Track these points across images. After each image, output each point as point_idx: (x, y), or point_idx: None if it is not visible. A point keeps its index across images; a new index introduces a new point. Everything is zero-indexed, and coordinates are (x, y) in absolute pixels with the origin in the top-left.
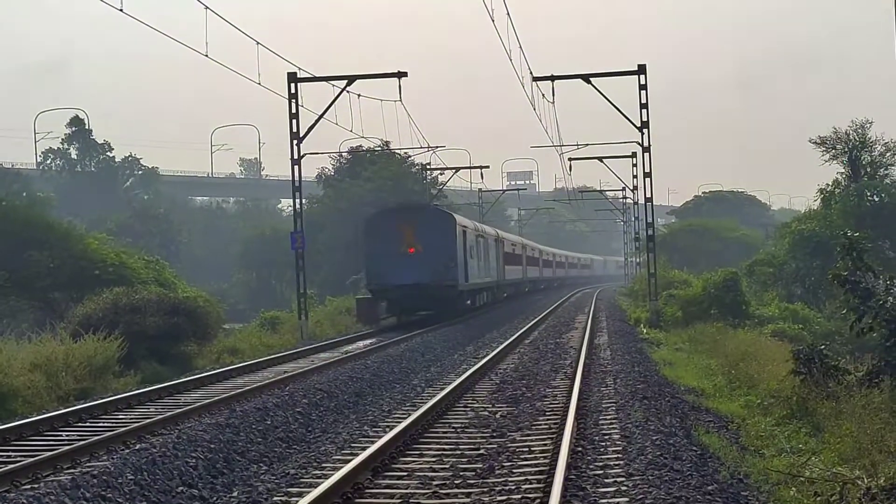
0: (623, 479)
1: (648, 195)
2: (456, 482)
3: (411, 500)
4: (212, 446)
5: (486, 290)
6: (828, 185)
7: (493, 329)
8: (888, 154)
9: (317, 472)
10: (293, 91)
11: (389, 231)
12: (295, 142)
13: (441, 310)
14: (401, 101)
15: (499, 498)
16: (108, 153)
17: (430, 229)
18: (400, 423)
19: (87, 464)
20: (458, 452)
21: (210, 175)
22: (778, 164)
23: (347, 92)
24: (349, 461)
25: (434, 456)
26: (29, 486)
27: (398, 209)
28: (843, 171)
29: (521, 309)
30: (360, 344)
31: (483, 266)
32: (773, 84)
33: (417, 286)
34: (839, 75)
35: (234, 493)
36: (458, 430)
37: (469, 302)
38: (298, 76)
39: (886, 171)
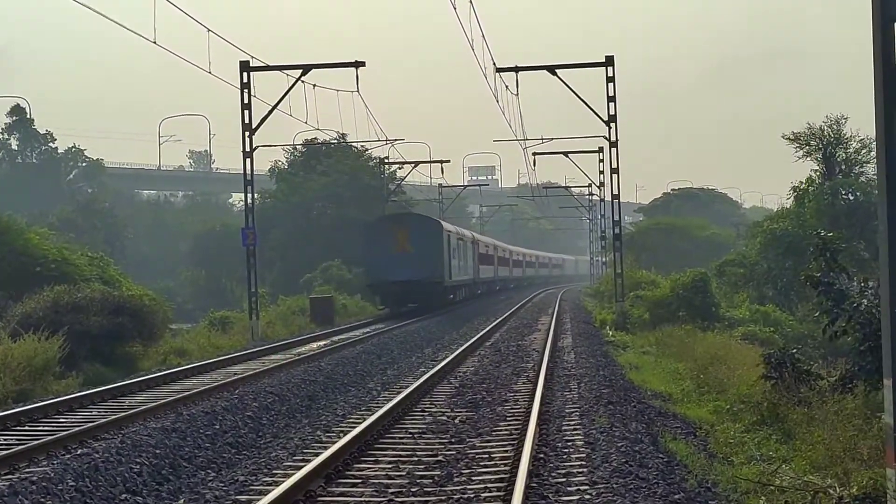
0: (587, 487)
1: (615, 192)
2: (413, 490)
3: None
4: (157, 451)
5: (465, 287)
6: (801, 182)
7: (453, 330)
8: (864, 151)
9: (267, 478)
10: (245, 80)
11: (386, 235)
12: (247, 133)
13: (428, 302)
14: (358, 91)
15: None
16: (51, 144)
17: (421, 234)
18: (354, 427)
19: (26, 469)
20: (416, 459)
21: (158, 168)
22: (750, 160)
23: (302, 82)
24: (301, 468)
25: (390, 462)
26: None
27: (394, 216)
28: (818, 168)
29: (483, 310)
30: (314, 345)
31: (462, 266)
32: (744, 78)
33: (409, 282)
34: (814, 69)
35: (181, 501)
36: (416, 435)
37: (451, 296)
38: (251, 65)
39: (862, 169)
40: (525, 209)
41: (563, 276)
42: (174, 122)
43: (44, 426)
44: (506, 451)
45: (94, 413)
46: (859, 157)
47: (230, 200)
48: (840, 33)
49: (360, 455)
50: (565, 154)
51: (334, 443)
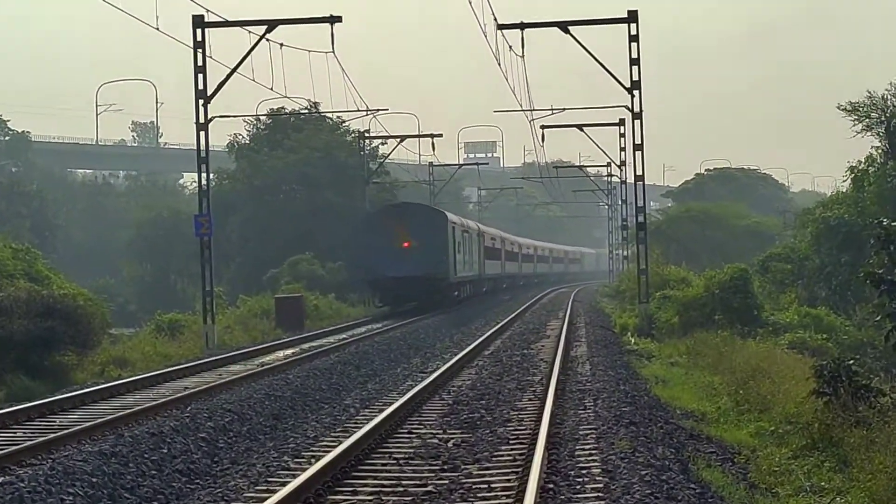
0: None
1: (639, 172)
2: None
3: None
4: (94, 480)
5: (470, 283)
6: (859, 162)
7: (445, 337)
8: None
9: None
10: (199, 38)
11: (387, 227)
12: (201, 102)
13: (431, 300)
14: (333, 52)
15: None
16: None
17: (424, 226)
18: (328, 452)
19: None
20: (401, 489)
21: (95, 142)
22: (799, 135)
23: (267, 40)
24: (265, 500)
25: (370, 494)
26: None
27: (395, 206)
28: (879, 145)
29: (481, 313)
30: (280, 354)
31: (468, 261)
32: (792, 38)
33: (411, 278)
34: (877, 25)
35: None
36: (401, 462)
37: (456, 293)
38: (206, 20)
39: None
40: (532, 193)
41: (583, 272)
42: (114, 89)
43: None
44: (508, 481)
45: (18, 434)
46: None
47: (181, 181)
48: None
49: (335, 485)
50: (580, 127)
51: (304, 470)
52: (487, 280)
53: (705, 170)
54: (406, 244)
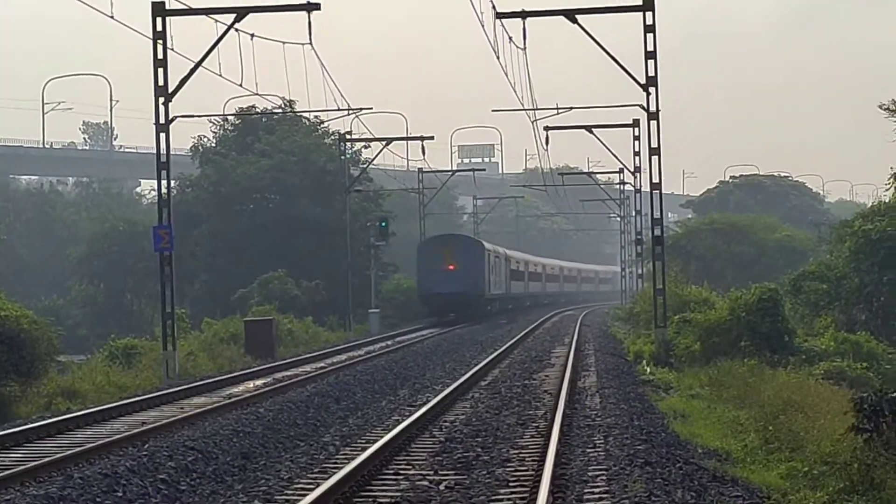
0: None
1: (656, 180)
2: None
3: None
4: None
5: (498, 300)
6: None
7: (436, 366)
8: None
9: None
10: (160, 29)
11: (435, 253)
12: (161, 100)
13: (470, 312)
14: (311, 44)
15: None
16: None
17: (466, 253)
18: (304, 496)
19: None
20: None
21: (42, 145)
22: (836, 139)
23: (236, 30)
24: None
25: None
26: None
27: (442, 237)
28: None
29: (474, 336)
30: (251, 385)
31: (498, 281)
32: (827, 28)
33: (455, 294)
34: None
35: None
36: None
37: (489, 308)
38: (167, 7)
39: None
40: (534, 202)
41: (615, 291)
42: (63, 85)
43: None
44: None
45: None
46: None
47: (138, 189)
48: None
49: None
50: (588, 129)
51: None
52: (512, 298)
53: (730, 177)
54: (451, 267)
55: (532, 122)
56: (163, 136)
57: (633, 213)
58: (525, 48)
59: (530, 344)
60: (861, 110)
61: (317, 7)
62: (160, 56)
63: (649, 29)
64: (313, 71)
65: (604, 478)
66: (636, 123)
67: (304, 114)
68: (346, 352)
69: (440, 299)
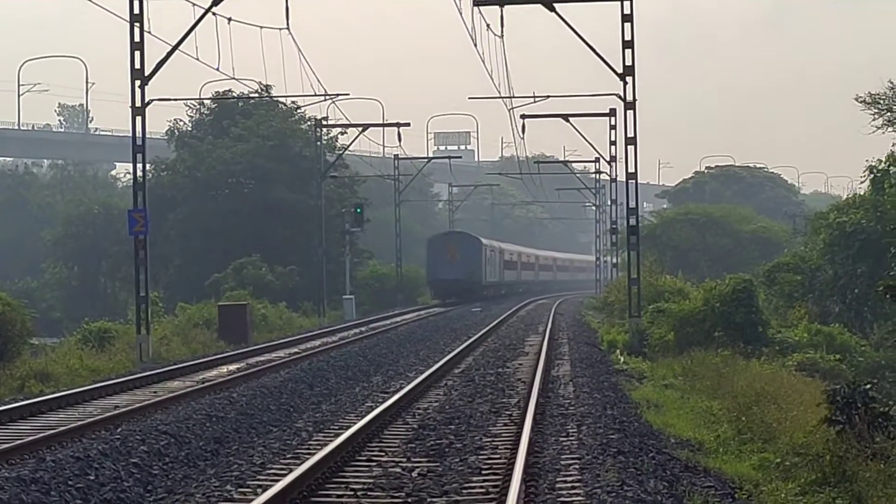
0: None
1: (632, 169)
2: None
3: None
4: None
5: (493, 287)
6: (879, 161)
7: (409, 353)
8: None
9: None
10: (136, 11)
11: (442, 247)
12: (137, 83)
13: (469, 296)
14: (288, 29)
15: None
16: None
17: (465, 246)
18: (277, 481)
19: None
20: None
21: (16, 126)
22: (811, 131)
23: (213, 14)
24: None
25: None
26: None
27: (447, 234)
28: None
29: (448, 324)
30: (224, 370)
31: (492, 270)
32: (807, 19)
33: (456, 280)
34: None
35: None
36: (359, 493)
37: (485, 293)
38: None
39: None
40: (509, 190)
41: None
42: (39, 67)
43: None
44: None
45: None
46: None
47: (113, 172)
48: None
49: None
50: (565, 118)
51: (250, 501)
52: (505, 285)
53: (706, 167)
54: (454, 258)
55: (509, 111)
56: (139, 119)
57: (609, 203)
58: (503, 35)
59: (504, 332)
60: (836, 101)
61: None
62: (137, 39)
63: (626, 18)
64: (290, 56)
65: (577, 466)
66: (612, 113)
67: (281, 99)
68: (320, 338)
69: (444, 284)
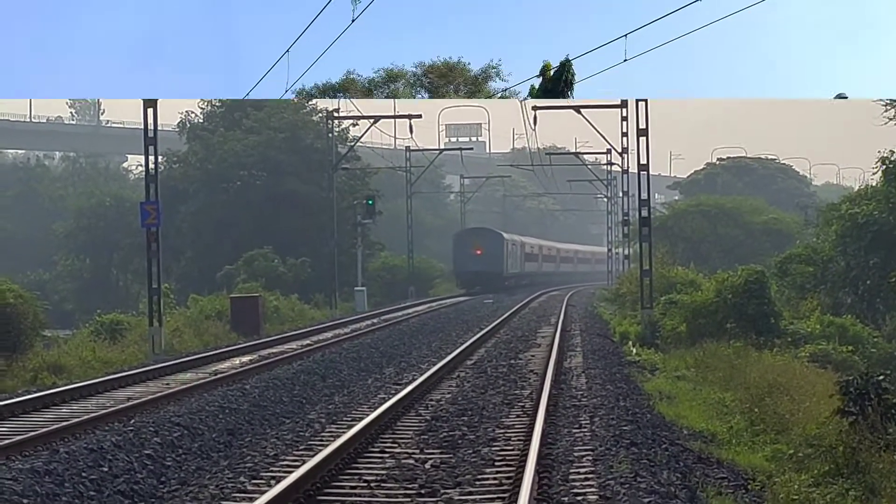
0: None
1: (643, 161)
2: None
3: None
4: (24, 502)
5: (514, 277)
6: (892, 152)
7: (423, 345)
8: None
9: None
10: None
11: (467, 241)
12: None
13: (492, 286)
14: None
15: None
16: None
17: (488, 241)
18: (290, 473)
19: None
20: None
21: (28, 119)
22: (824, 121)
23: None
24: None
25: None
26: None
27: (472, 230)
28: None
29: (460, 315)
30: (236, 361)
31: (514, 262)
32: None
33: (480, 272)
34: None
35: None
36: (372, 485)
37: (506, 283)
38: None
39: None
40: (521, 182)
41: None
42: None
43: None
44: None
45: None
46: None
47: (125, 164)
48: None
49: None
50: (576, 109)
51: (263, 493)
52: (526, 276)
53: (717, 159)
54: (478, 251)
55: (520, 102)
56: (150, 112)
57: (621, 194)
58: None
59: (516, 324)
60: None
61: None
62: None
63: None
64: None
65: (590, 458)
66: (624, 104)
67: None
68: (332, 329)
69: (469, 276)
